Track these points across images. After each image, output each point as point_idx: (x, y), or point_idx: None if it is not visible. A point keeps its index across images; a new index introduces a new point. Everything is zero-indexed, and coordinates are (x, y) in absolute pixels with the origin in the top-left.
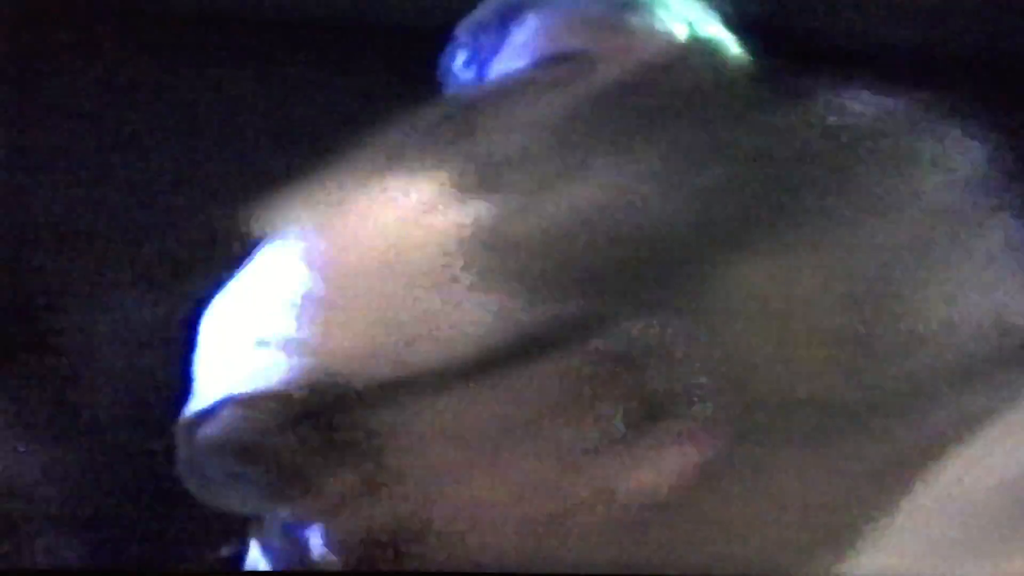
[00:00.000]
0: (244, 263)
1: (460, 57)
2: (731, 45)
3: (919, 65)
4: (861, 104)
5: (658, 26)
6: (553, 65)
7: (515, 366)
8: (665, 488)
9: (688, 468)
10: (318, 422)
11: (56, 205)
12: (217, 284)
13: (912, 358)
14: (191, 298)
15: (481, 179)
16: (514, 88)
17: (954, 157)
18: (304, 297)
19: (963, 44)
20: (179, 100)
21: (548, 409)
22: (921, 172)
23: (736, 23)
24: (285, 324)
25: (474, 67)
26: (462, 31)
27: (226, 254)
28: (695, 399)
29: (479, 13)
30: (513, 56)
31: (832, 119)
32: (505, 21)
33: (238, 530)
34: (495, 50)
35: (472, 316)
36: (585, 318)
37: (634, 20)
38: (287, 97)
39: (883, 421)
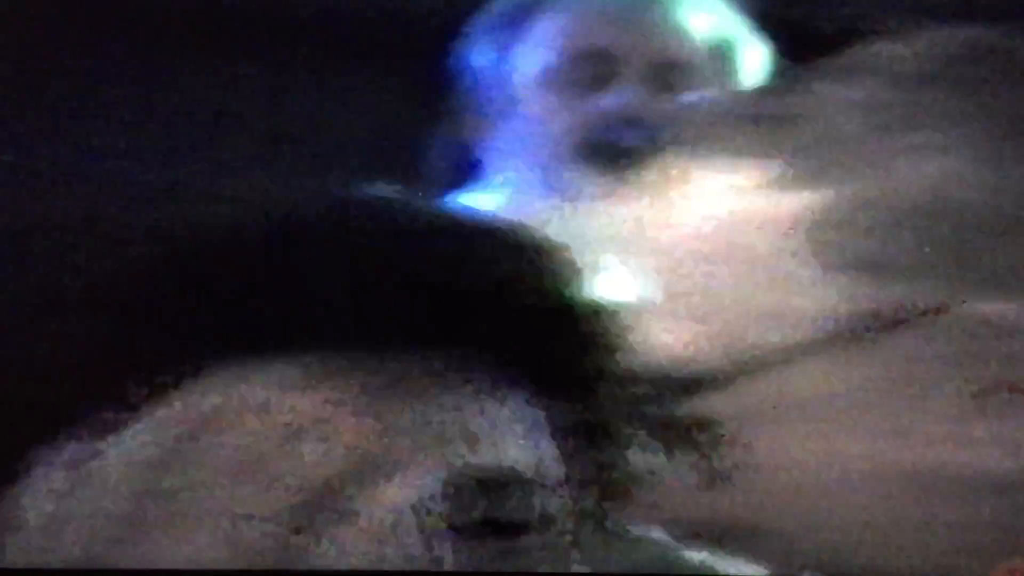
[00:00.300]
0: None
1: (477, 51)
2: (747, 42)
3: None
4: None
5: (677, 24)
6: (578, 63)
7: (860, 344)
8: (1013, 470)
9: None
10: (665, 406)
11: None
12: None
13: None
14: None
15: (815, 164)
16: (827, 72)
17: None
18: (644, 286)
19: None
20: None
21: (893, 384)
22: None
23: (752, 20)
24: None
25: (492, 61)
26: (478, 25)
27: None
28: None
29: (496, 7)
30: (534, 51)
31: None
32: (524, 16)
33: None
34: (513, 45)
35: (817, 296)
36: (930, 297)
37: (654, 17)
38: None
39: None
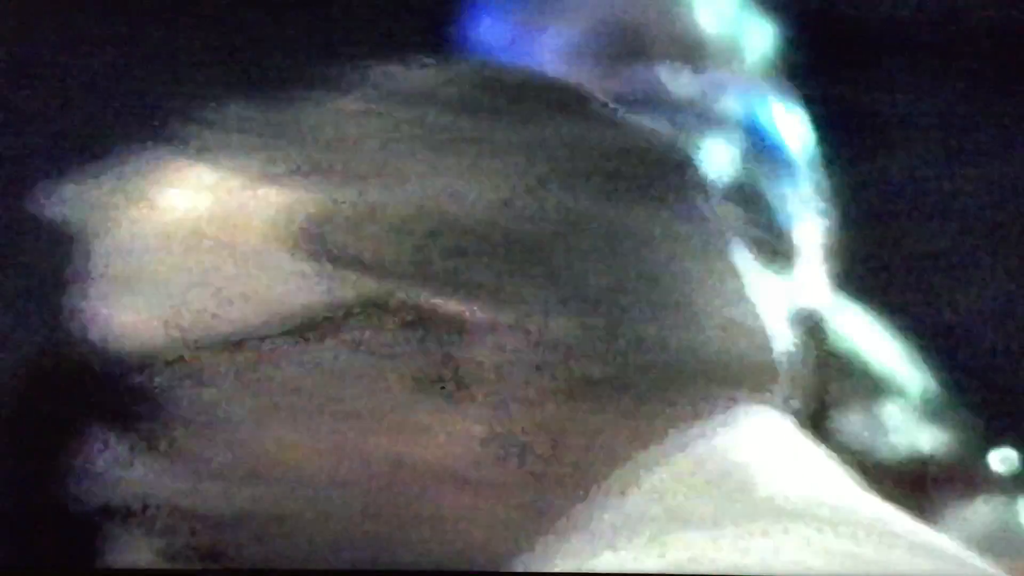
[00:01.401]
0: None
1: (492, 23)
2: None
3: None
4: (645, 124)
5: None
6: (602, 36)
7: (318, 335)
8: (450, 458)
9: (472, 440)
10: (118, 384)
11: None
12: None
13: (670, 347)
14: None
15: (305, 164)
16: (343, 81)
17: (707, 185)
18: (115, 268)
19: None
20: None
21: (348, 375)
22: (689, 193)
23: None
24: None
25: (509, 34)
26: None
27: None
28: (490, 374)
29: None
30: (560, 22)
31: (627, 135)
32: None
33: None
34: (533, 17)
35: (281, 287)
36: (389, 294)
37: None
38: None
39: (647, 398)
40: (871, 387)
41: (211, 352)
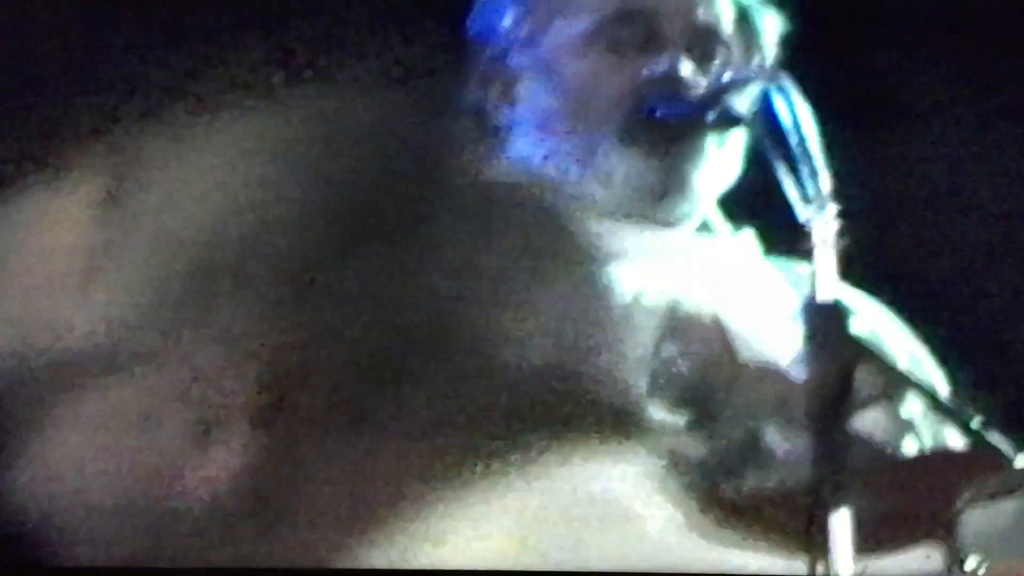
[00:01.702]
0: None
1: (508, 13)
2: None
3: None
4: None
5: None
6: (619, 25)
7: (117, 373)
8: (209, 487)
9: (228, 474)
10: None
11: None
12: None
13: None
14: None
15: (120, 192)
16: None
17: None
18: None
19: None
20: None
21: (139, 414)
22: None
23: None
24: None
25: (527, 24)
26: None
27: None
28: (243, 412)
29: None
30: (576, 11)
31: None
32: None
33: None
34: (548, 4)
35: (86, 321)
36: (155, 338)
37: None
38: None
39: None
40: (892, 380)
41: (20, 376)
